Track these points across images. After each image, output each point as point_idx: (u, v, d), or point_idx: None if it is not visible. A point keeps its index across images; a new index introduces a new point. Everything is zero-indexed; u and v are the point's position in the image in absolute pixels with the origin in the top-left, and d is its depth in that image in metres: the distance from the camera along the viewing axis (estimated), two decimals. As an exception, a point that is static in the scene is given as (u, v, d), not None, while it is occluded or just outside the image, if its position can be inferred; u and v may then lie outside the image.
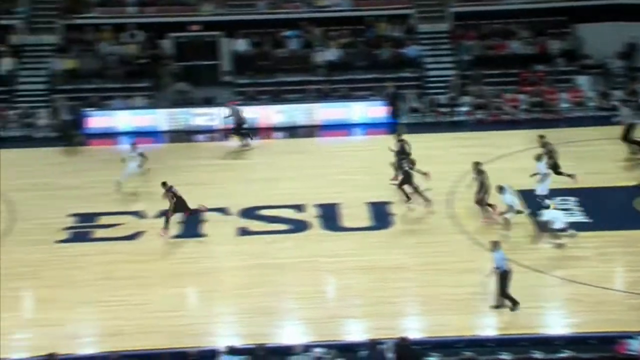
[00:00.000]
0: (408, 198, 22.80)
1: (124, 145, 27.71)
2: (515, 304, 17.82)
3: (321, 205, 23.34)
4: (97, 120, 29.80)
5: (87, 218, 22.77)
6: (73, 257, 20.92)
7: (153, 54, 33.03)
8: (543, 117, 30.36)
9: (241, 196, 24.09)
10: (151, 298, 18.94)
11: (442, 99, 31.21)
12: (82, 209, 23.29)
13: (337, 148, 28.72)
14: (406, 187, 22.73)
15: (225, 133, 28.98)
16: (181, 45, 34.04)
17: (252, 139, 28.45)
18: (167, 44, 33.62)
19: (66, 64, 32.00)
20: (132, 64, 32.33)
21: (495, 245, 17.98)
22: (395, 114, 30.18)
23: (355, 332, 17.66)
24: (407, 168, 22.83)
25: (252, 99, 31.23)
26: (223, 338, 17.25)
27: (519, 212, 21.34)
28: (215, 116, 29.95)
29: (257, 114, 30.24)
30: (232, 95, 31.65)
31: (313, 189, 24.39)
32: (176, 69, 33.08)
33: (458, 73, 32.15)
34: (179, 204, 21.70)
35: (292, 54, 33.20)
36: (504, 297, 17.89)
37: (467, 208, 22.50)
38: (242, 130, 28.37)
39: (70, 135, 28.75)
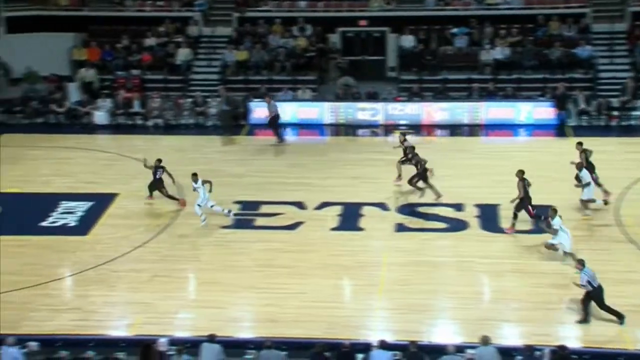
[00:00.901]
0: (421, 190, 23.20)
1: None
2: (586, 319, 17.34)
3: (481, 206, 23.00)
4: (263, 111, 30.57)
5: (250, 206, 23.43)
6: (235, 243, 21.61)
7: (320, 48, 33.58)
8: None
9: (400, 192, 24.10)
10: (307, 288, 19.28)
11: (615, 102, 29.95)
12: (246, 197, 24.01)
13: (501, 148, 28.15)
14: (420, 183, 23.15)
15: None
16: (348, 39, 34.43)
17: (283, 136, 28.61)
18: (335, 38, 34.09)
19: (238, 55, 33.06)
20: (300, 57, 32.97)
21: (581, 264, 17.44)
22: (562, 115, 29.33)
23: (510, 336, 17.31)
24: (423, 165, 23.16)
25: (416, 96, 31.14)
26: (376, 332, 17.34)
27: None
28: (378, 111, 30.11)
29: (420, 110, 30.17)
30: (396, 90, 31.73)
31: (473, 188, 24.05)
32: (342, 63, 33.47)
33: (633, 75, 30.75)
34: (154, 183, 23.11)
35: (458, 51, 32.83)
36: (608, 311, 17.31)
37: (636, 216, 21.54)
38: (276, 125, 28.43)
39: (227, 125, 29.65)
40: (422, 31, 33.40)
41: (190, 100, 31.29)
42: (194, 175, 22.32)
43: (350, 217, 22.59)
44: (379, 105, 30.39)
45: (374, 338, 16.63)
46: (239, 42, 33.61)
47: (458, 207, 22.98)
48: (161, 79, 33.04)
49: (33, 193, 24.68)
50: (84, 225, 22.53)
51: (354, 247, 21.21)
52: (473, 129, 29.72)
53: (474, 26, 33.16)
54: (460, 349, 16.00)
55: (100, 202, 23.82)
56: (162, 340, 16.28)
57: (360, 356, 16.16)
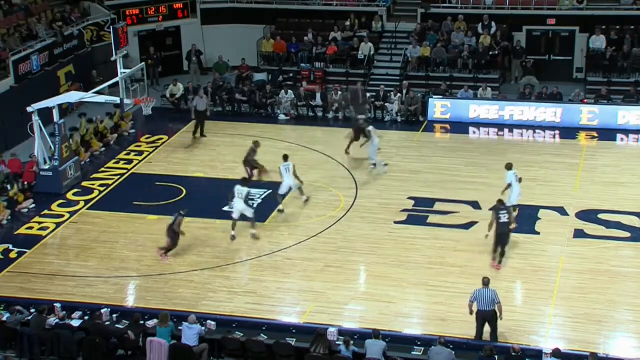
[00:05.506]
0: None
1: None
2: None
3: (670, 217, 21.88)
4: (442, 108, 30.35)
5: (425, 203, 23.38)
6: (408, 238, 21.65)
7: (505, 47, 32.91)
8: None
9: (581, 197, 23.31)
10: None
11: None
12: (421, 193, 23.98)
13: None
14: None
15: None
16: (534, 38, 33.56)
17: None
18: (520, 37, 33.33)
19: (420, 51, 33.00)
20: (483, 54, 32.47)
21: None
22: None
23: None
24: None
25: (603, 98, 29.88)
26: (547, 339, 16.91)
27: None
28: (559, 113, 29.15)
29: (607, 114, 28.87)
30: (582, 92, 30.62)
31: (663, 198, 22.93)
32: (527, 62, 32.66)
33: None
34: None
35: (655, 52, 31.26)
36: None
37: None
38: None
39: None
40: (614, 31, 32.03)
41: (371, 94, 31.47)
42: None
43: (526, 220, 22.07)
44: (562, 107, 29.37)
45: (545, 345, 16.21)
46: (422, 37, 33.53)
47: (644, 216, 21.96)
48: (343, 72, 33.52)
49: (217, 178, 25.76)
50: (263, 212, 23.26)
51: (529, 250, 20.73)
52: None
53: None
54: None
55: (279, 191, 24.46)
56: (332, 329, 16.61)
57: (530, 363, 15.84)
